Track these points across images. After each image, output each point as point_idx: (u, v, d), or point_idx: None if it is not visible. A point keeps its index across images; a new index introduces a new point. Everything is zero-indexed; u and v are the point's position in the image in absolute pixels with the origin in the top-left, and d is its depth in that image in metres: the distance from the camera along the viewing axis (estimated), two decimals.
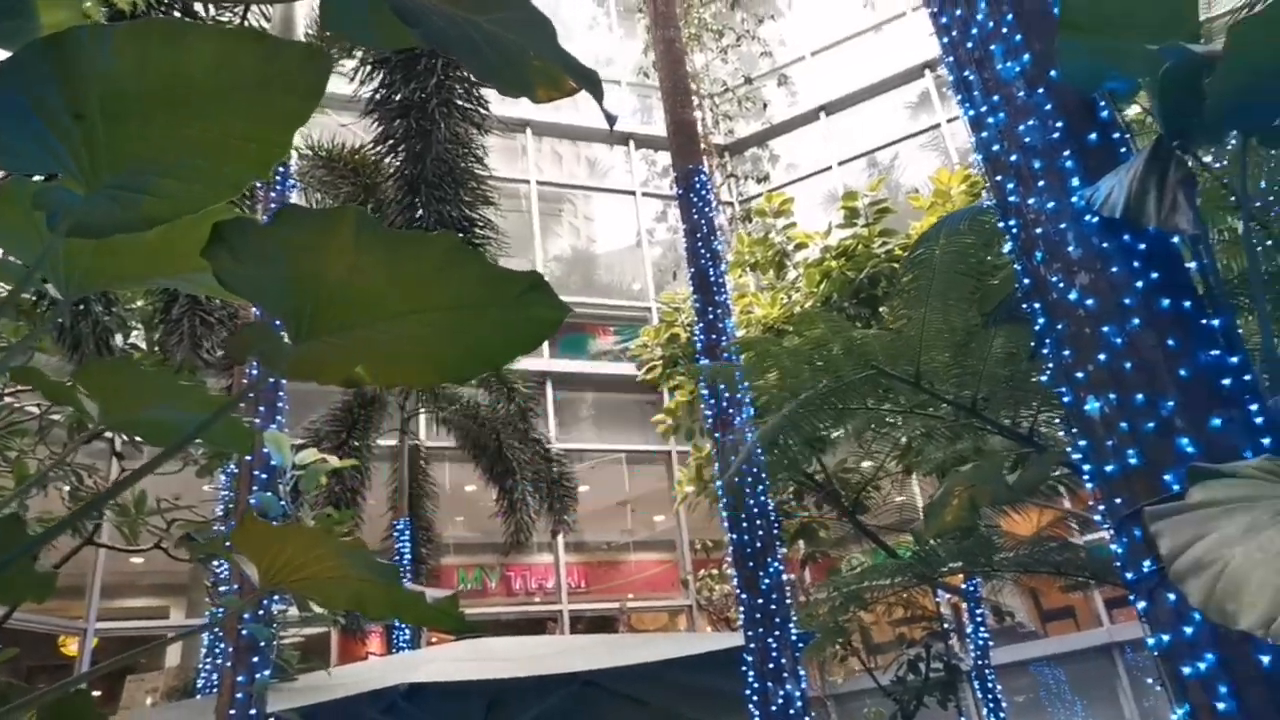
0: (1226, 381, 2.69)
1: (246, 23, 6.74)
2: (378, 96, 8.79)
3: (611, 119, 1.78)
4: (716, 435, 7.00)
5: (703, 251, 7.59)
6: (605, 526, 17.05)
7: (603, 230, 19.96)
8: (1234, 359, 2.75)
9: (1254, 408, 2.67)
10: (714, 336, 7.33)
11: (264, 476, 4.86)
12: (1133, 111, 3.82)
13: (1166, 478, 2.59)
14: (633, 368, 12.12)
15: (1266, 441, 2.57)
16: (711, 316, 7.39)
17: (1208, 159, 3.86)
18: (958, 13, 3.46)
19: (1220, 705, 2.38)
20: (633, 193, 19.25)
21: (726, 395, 6.93)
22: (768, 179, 18.83)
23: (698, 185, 7.74)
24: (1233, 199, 3.86)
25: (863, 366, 4.80)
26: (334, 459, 4.44)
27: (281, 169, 5.82)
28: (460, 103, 8.84)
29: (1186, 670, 2.48)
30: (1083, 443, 2.91)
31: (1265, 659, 2.33)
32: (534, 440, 11.56)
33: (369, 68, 8.72)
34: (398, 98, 8.56)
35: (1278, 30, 2.12)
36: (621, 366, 15.44)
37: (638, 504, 17.37)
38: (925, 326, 4.47)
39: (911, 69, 18.40)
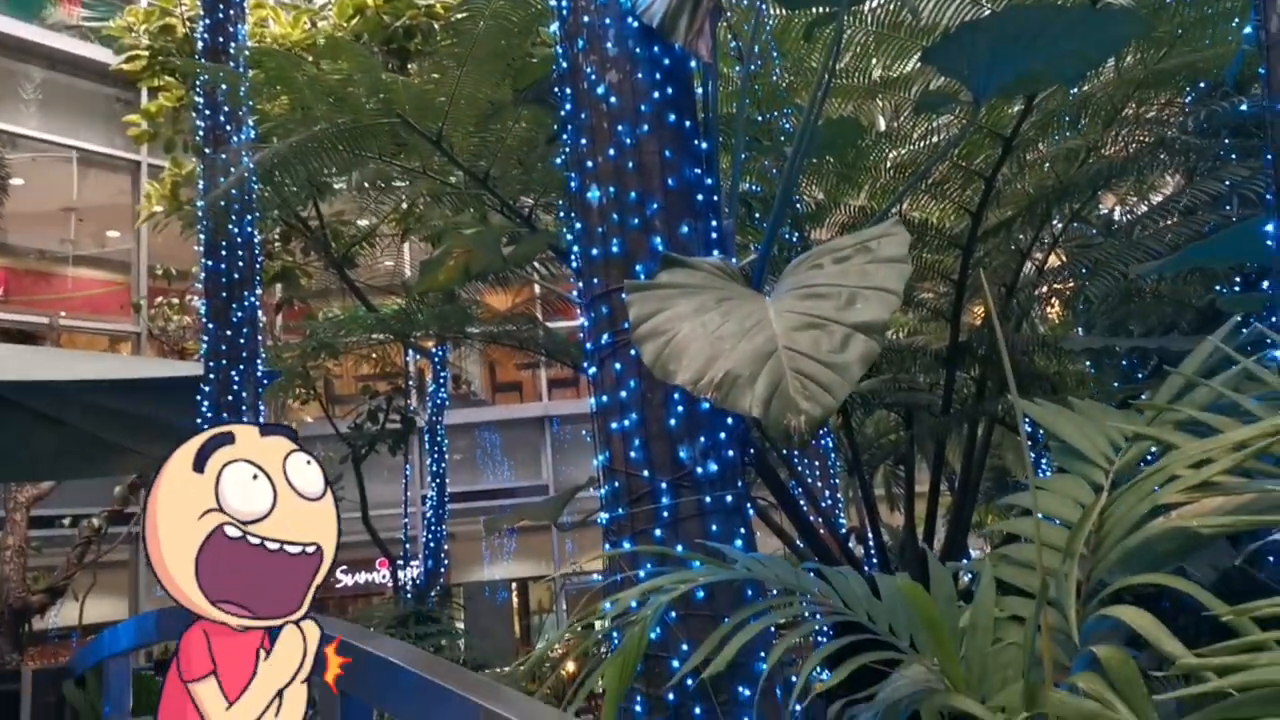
0: (700, 198, 3.15)
1: None
2: None
3: None
4: (207, 151, 6.28)
5: None
6: (40, 233, 14.57)
7: None
8: (709, 180, 3.22)
9: (714, 224, 3.18)
10: (221, 39, 6.42)
11: None
12: None
13: (638, 268, 2.99)
14: (108, 53, 10.17)
15: (716, 253, 3.10)
16: (222, 15, 6.45)
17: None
18: None
19: (632, 454, 2.92)
20: None
21: (226, 109, 6.21)
22: None
23: None
24: (736, 53, 4.41)
25: (387, 113, 4.64)
26: None
27: None
28: None
29: (614, 426, 2.98)
30: (578, 226, 3.21)
31: (672, 421, 2.89)
32: None
33: None
34: None
35: None
36: (90, 48, 12.85)
37: (88, 214, 15.04)
38: (458, 89, 4.44)
39: None
